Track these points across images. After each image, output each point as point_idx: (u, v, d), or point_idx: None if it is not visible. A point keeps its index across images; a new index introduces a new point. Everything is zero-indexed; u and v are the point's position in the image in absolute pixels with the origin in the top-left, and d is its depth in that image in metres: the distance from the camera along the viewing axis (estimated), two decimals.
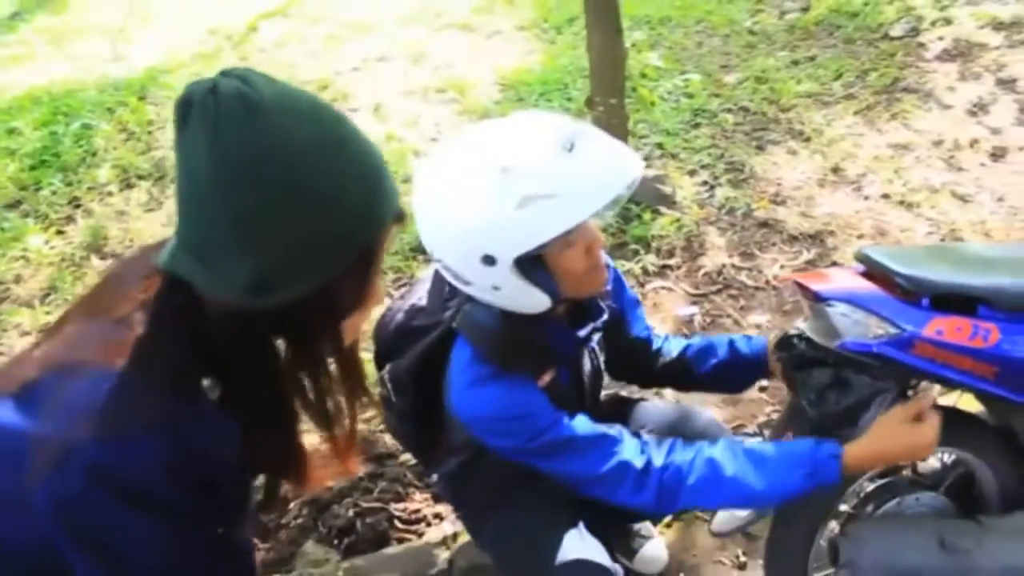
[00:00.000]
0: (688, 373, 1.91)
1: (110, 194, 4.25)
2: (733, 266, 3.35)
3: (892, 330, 1.55)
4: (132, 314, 0.95)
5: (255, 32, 6.12)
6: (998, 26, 5.53)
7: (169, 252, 0.92)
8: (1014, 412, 1.68)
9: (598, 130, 1.50)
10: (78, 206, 4.20)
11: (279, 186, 0.85)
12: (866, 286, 1.61)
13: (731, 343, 1.88)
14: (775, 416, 2.58)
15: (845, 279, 1.66)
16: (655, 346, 1.93)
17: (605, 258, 1.60)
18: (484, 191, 1.38)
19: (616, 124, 3.58)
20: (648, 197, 3.59)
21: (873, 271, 1.64)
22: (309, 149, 0.86)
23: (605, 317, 1.68)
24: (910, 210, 3.63)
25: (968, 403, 1.82)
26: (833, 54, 5.20)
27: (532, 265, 1.45)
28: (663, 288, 3.24)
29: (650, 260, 3.34)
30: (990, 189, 3.76)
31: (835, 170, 3.99)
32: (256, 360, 0.95)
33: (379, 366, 1.84)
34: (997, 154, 4.05)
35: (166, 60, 5.65)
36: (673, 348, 1.93)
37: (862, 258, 1.68)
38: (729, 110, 4.58)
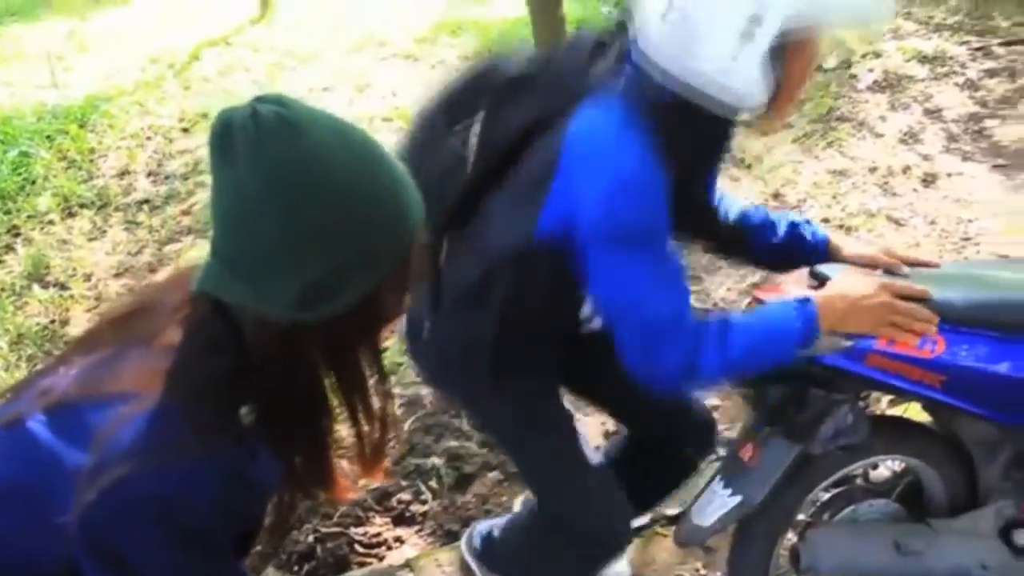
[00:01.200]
0: (744, 244, 1.87)
1: (51, 223, 4.18)
2: None
3: (845, 342, 1.61)
4: (169, 341, 0.96)
5: (198, 60, 6.08)
6: (923, 59, 5.78)
7: (208, 275, 0.94)
8: (959, 419, 1.76)
9: None
10: (17, 235, 4.13)
11: (325, 202, 0.89)
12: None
13: (792, 226, 1.85)
14: (728, 434, 2.64)
15: (800, 292, 1.71)
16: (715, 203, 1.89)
17: None
18: None
19: None
20: None
21: (823, 283, 1.69)
22: (349, 167, 0.90)
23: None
24: (848, 233, 3.75)
25: (914, 413, 1.90)
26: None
27: (776, 55, 1.41)
28: None
29: None
30: (923, 213, 3.91)
31: (776, 196, 4.11)
32: (298, 380, 0.96)
33: None
34: (928, 180, 4.22)
35: (107, 88, 5.58)
36: (731, 211, 1.87)
37: (816, 275, 1.74)
38: None
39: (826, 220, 3.87)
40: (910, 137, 4.70)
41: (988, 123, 4.83)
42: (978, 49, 6.00)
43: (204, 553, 0.93)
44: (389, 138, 4.58)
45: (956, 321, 1.63)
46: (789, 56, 1.44)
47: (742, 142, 4.58)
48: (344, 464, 1.08)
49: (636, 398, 1.69)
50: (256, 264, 0.90)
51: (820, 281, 1.71)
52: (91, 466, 0.88)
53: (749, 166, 4.37)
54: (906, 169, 4.30)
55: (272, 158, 0.87)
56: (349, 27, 6.67)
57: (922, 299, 1.60)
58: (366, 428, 1.05)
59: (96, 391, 0.94)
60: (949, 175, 4.25)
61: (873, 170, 4.30)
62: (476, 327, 1.65)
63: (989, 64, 5.72)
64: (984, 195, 4.06)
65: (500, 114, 1.61)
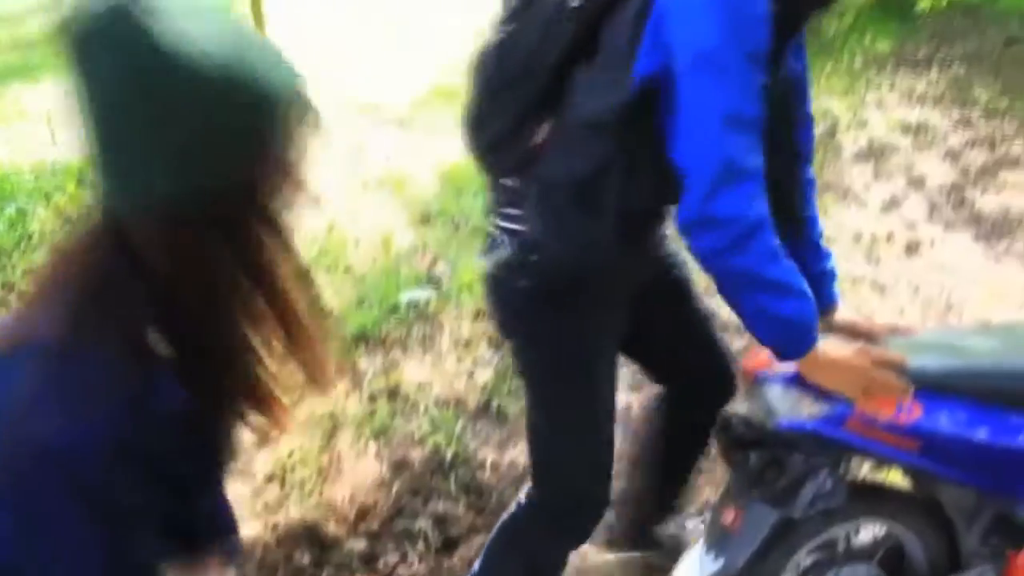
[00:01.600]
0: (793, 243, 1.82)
1: None
2: None
3: (825, 408, 1.66)
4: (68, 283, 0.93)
5: None
6: (906, 130, 5.92)
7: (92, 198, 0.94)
8: (938, 484, 1.79)
9: None
10: (12, 290, 4.15)
11: (187, 83, 0.86)
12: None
13: (827, 271, 1.93)
14: (712, 499, 2.66)
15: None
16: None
17: None
18: None
19: None
20: None
21: None
22: (211, 45, 0.87)
23: None
24: None
25: (897, 478, 1.93)
26: None
27: None
28: None
29: None
30: (906, 280, 3.97)
31: None
32: (201, 285, 0.92)
33: None
34: (911, 248, 4.29)
35: None
36: (806, 201, 1.96)
37: None
38: None
39: None
40: (893, 205, 4.79)
41: (969, 192, 4.93)
42: (959, 120, 6.15)
43: (112, 529, 0.88)
44: (382, 202, 4.68)
45: (933, 387, 1.68)
46: None
47: None
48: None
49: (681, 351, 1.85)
50: (125, 159, 0.89)
51: None
52: None
53: None
54: (889, 237, 4.38)
55: (128, 50, 0.85)
56: (341, 91, 6.81)
57: (898, 367, 1.65)
58: (294, 333, 0.98)
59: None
60: (932, 243, 4.32)
61: (858, 237, 4.38)
62: (591, 232, 1.65)
63: (970, 134, 5.85)
64: (966, 263, 4.13)
65: None
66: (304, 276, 1.00)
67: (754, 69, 1.49)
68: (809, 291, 1.56)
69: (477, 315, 3.60)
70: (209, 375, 0.96)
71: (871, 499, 1.86)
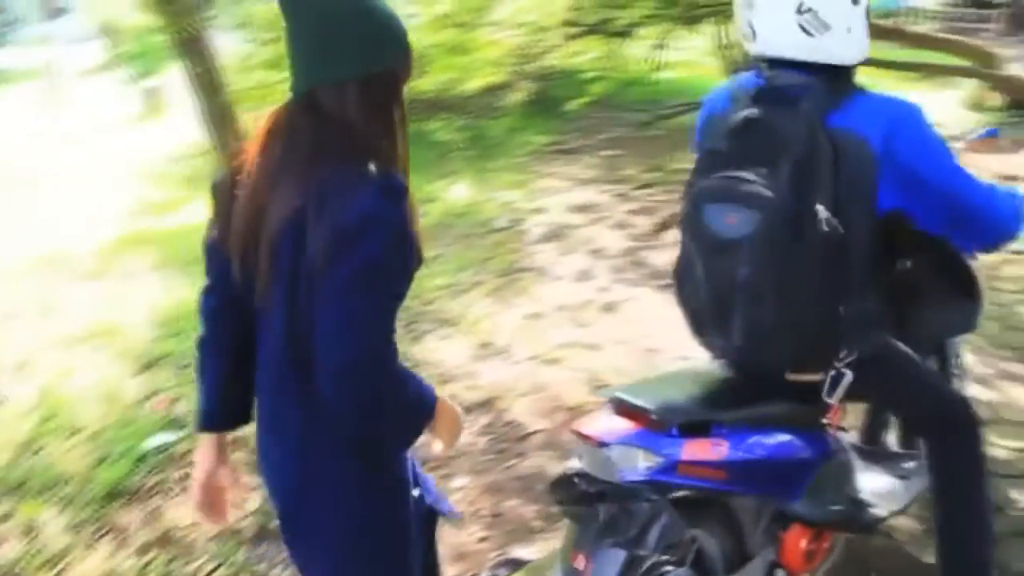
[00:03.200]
0: None
1: None
2: (421, 442, 3.64)
3: (658, 460, 1.94)
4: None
5: None
6: (578, 209, 6.65)
7: (302, 80, 1.55)
8: (733, 497, 2.16)
9: None
10: None
11: (366, 14, 1.54)
12: (630, 426, 1.98)
13: None
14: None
15: (611, 422, 2.02)
16: None
17: None
18: None
19: None
20: None
21: (627, 410, 2.01)
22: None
23: None
24: (555, 365, 4.22)
25: None
26: (455, 250, 5.91)
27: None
28: None
29: None
30: (611, 337, 4.48)
31: (485, 345, 4.51)
32: (384, 116, 1.58)
33: None
34: (608, 308, 4.85)
35: None
36: None
37: (616, 400, 2.04)
38: None
39: (533, 357, 4.32)
40: (584, 275, 5.37)
41: (642, 253, 5.64)
42: (618, 195, 7.00)
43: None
44: (95, 356, 4.50)
45: (725, 423, 2.04)
46: None
47: (442, 305, 5.01)
48: None
49: None
50: (340, 54, 1.53)
51: (620, 405, 2.02)
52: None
53: (456, 323, 4.77)
54: (588, 303, 4.91)
55: None
56: (24, 248, 6.47)
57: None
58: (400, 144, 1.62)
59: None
60: (624, 301, 4.91)
61: (561, 308, 4.87)
62: None
63: (630, 205, 6.69)
64: (655, 312, 4.72)
65: None
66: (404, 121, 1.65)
67: None
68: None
69: (233, 444, 3.57)
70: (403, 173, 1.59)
71: (683, 516, 2.08)
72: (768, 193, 1.86)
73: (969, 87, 9.57)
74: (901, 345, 2.23)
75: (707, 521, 2.18)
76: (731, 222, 1.93)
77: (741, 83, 2.08)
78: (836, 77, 1.96)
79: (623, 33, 9.51)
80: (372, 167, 1.51)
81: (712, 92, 2.22)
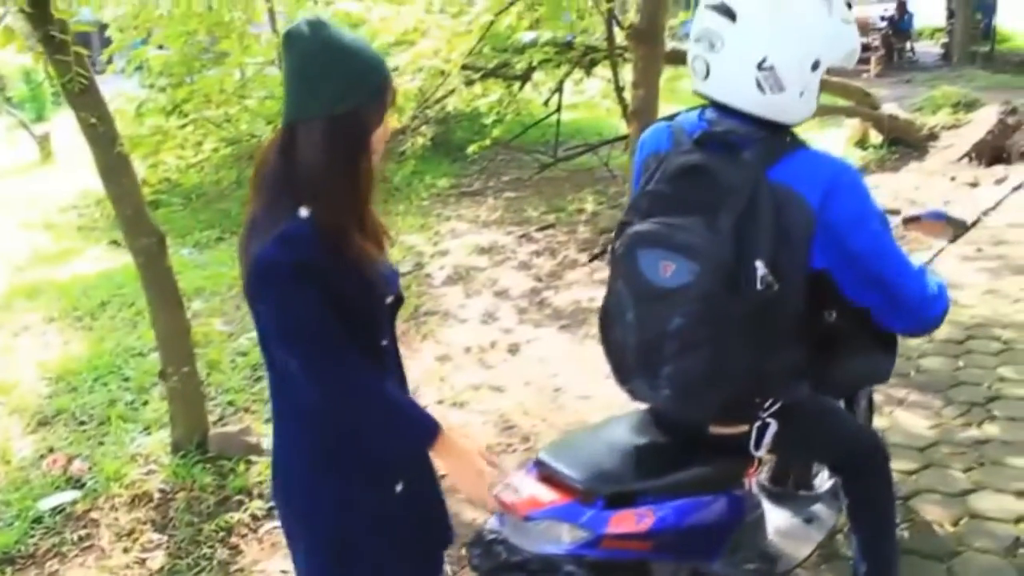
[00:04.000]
0: None
1: None
2: None
3: (583, 534, 1.93)
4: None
5: None
6: (482, 251, 6.72)
7: (287, 114, 1.68)
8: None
9: None
10: None
11: (339, 56, 1.64)
12: (555, 498, 1.95)
13: None
14: None
15: (535, 490, 1.98)
16: None
17: None
18: (821, 7, 1.88)
19: (191, 390, 3.77)
20: (237, 450, 3.77)
21: (552, 476, 1.99)
22: (344, 43, 1.66)
23: None
24: (463, 408, 4.25)
25: None
26: None
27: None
28: (277, 528, 3.39)
29: (256, 506, 3.48)
30: (517, 377, 4.54)
31: None
32: (337, 160, 1.65)
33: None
34: (513, 349, 4.92)
35: None
36: None
37: (540, 463, 2.03)
38: None
39: (440, 401, 4.34)
40: (489, 317, 5.43)
41: (545, 294, 5.75)
42: (522, 236, 7.11)
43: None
44: None
45: (657, 494, 2.03)
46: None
47: None
48: None
49: None
50: (308, 93, 1.65)
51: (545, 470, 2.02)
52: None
53: None
54: (493, 344, 4.97)
55: (312, 39, 1.64)
56: None
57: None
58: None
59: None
60: (528, 341, 4.98)
61: (468, 350, 4.91)
62: None
63: (533, 247, 6.80)
64: (558, 352, 4.82)
65: None
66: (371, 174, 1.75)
67: None
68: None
69: (133, 503, 3.51)
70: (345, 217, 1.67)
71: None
72: (707, 245, 1.84)
73: (852, 126, 10.05)
74: (821, 395, 2.27)
75: None
76: (667, 270, 1.89)
77: (681, 123, 2.06)
78: (778, 130, 1.95)
79: (522, 77, 9.69)
80: (303, 210, 1.63)
81: (651, 129, 2.17)
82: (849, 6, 1.98)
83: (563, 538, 1.93)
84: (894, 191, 8.00)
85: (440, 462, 1.79)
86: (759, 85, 1.87)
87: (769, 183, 1.84)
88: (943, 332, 4.71)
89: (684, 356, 1.89)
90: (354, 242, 1.68)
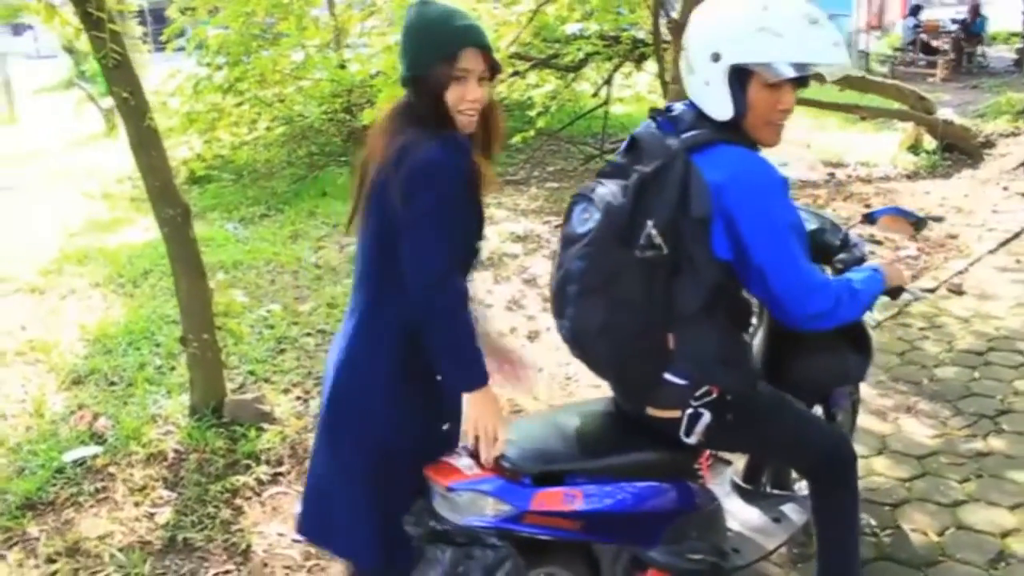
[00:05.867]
0: None
1: None
2: None
3: (506, 508, 2.01)
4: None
5: None
6: (517, 239, 6.79)
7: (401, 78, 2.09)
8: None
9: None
10: None
11: (418, 30, 2.03)
12: (479, 473, 2.03)
13: None
14: None
15: (463, 465, 2.06)
16: None
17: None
18: (742, 12, 2.00)
19: (210, 358, 3.92)
20: (250, 417, 3.92)
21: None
22: (434, 15, 2.02)
23: None
24: None
25: None
26: None
27: (738, 79, 2.01)
28: (279, 493, 3.55)
29: (262, 471, 3.62)
30: (532, 363, 4.61)
31: None
32: (426, 99, 2.02)
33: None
34: (532, 336, 4.99)
35: None
36: None
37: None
38: (309, 334, 5.11)
39: None
40: (515, 304, 5.52)
41: None
42: (557, 226, 7.16)
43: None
44: (25, 371, 4.57)
45: (582, 473, 2.11)
46: (751, 90, 2.03)
47: None
48: None
49: None
50: (402, 58, 2.07)
51: None
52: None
53: None
54: (514, 330, 5.06)
55: (411, 15, 2.05)
56: None
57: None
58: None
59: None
60: (548, 329, 5.04)
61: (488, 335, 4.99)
62: None
63: None
64: None
65: None
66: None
67: None
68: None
69: (148, 461, 3.68)
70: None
71: (540, 553, 2.16)
72: (611, 198, 2.02)
73: (905, 130, 9.89)
74: (775, 391, 2.34)
75: (563, 559, 2.22)
76: (582, 219, 2.09)
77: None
78: (722, 128, 2.07)
79: (574, 68, 9.74)
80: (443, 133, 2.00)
81: None
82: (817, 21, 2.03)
83: (487, 511, 2.01)
84: (943, 197, 7.89)
85: (471, 405, 2.03)
86: (683, 66, 2.12)
87: (686, 160, 2.00)
88: (964, 342, 4.69)
89: (581, 300, 2.06)
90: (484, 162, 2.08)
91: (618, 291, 2.01)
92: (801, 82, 2.08)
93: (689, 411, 2.15)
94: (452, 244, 1.98)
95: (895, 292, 2.33)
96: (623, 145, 2.23)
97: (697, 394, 2.13)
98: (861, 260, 2.42)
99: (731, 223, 2.00)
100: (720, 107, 2.05)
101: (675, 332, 2.07)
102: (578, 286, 2.05)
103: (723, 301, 2.08)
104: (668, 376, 2.12)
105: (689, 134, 2.06)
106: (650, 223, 1.98)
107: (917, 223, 2.56)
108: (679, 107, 2.18)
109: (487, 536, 2.01)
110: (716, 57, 2.01)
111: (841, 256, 2.47)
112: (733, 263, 2.04)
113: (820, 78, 2.26)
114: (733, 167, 2.02)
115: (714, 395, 2.13)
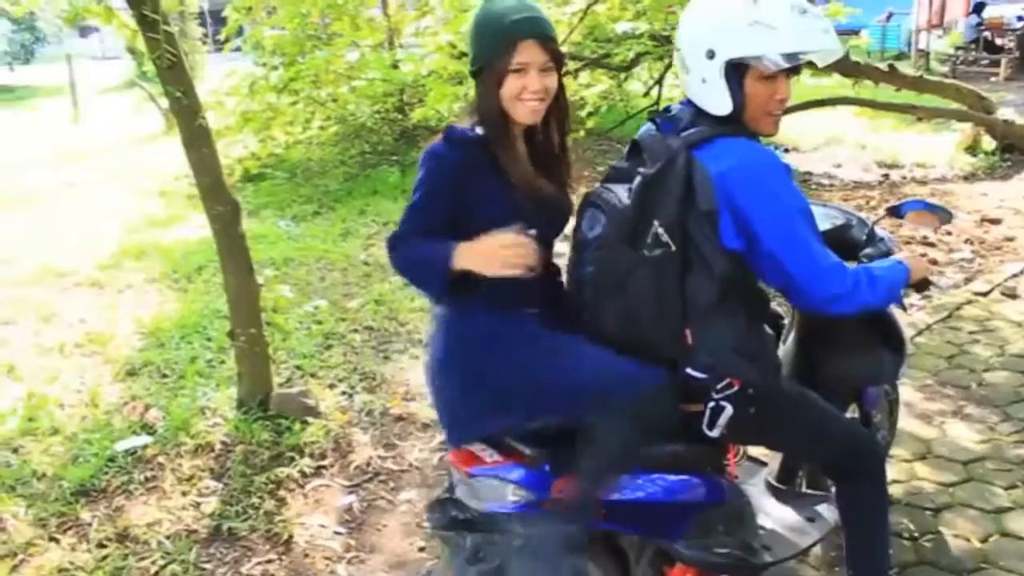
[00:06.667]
0: None
1: None
2: (379, 457, 3.82)
3: (526, 494, 2.04)
4: None
5: None
6: (564, 239, 6.78)
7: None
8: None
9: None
10: None
11: (478, 26, 2.10)
12: (502, 461, 2.07)
13: None
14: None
15: (485, 453, 2.09)
16: None
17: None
18: (733, 7, 2.02)
19: (257, 352, 4.01)
20: (295, 410, 4.00)
21: (502, 442, 2.10)
22: (495, 11, 2.06)
23: None
24: None
25: None
26: None
27: (734, 73, 2.03)
28: (322, 486, 3.62)
29: (305, 463, 3.70)
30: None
31: None
32: (487, 95, 2.08)
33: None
34: None
35: None
36: None
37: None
38: (356, 330, 5.19)
39: None
40: None
41: None
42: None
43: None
44: (83, 362, 4.71)
45: None
46: (747, 84, 2.06)
47: (416, 326, 5.19)
48: None
49: None
50: (469, 52, 2.13)
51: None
52: None
53: (427, 345, 4.93)
54: None
55: (478, 12, 2.12)
56: (22, 260, 6.72)
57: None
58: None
59: None
60: None
61: None
62: None
63: None
64: None
65: None
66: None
67: None
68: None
69: (196, 451, 3.78)
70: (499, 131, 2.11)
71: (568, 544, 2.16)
72: (617, 202, 2.06)
73: (963, 130, 9.70)
74: (799, 387, 2.34)
75: (593, 552, 2.22)
76: (590, 224, 2.14)
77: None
78: (721, 122, 2.10)
79: (625, 68, 9.70)
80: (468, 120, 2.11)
81: None
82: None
83: (508, 497, 2.04)
84: (1000, 200, 7.73)
85: (473, 266, 2.00)
86: (682, 64, 2.13)
87: (689, 157, 2.03)
88: (1016, 347, 4.60)
89: (596, 303, 2.10)
90: (508, 154, 2.08)
91: (631, 291, 2.04)
92: (794, 71, 2.11)
93: (711, 404, 2.16)
94: (412, 214, 2.08)
95: (921, 285, 2.33)
96: (626, 150, 2.27)
97: (718, 387, 2.14)
98: (888, 254, 2.40)
99: (738, 212, 2.02)
100: (719, 103, 2.08)
101: (692, 327, 2.08)
102: (592, 290, 2.10)
103: (736, 293, 2.09)
104: (689, 371, 2.13)
105: (689, 131, 2.09)
106: (657, 222, 2.01)
107: (942, 216, 2.55)
108: (677, 107, 2.21)
109: (508, 522, 2.03)
110: (711, 54, 2.04)
111: (867, 251, 2.46)
112: (743, 253, 2.06)
113: (812, 64, 2.28)
114: (735, 157, 2.04)
115: (735, 388, 2.14)
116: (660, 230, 2.00)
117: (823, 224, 2.21)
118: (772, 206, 2.02)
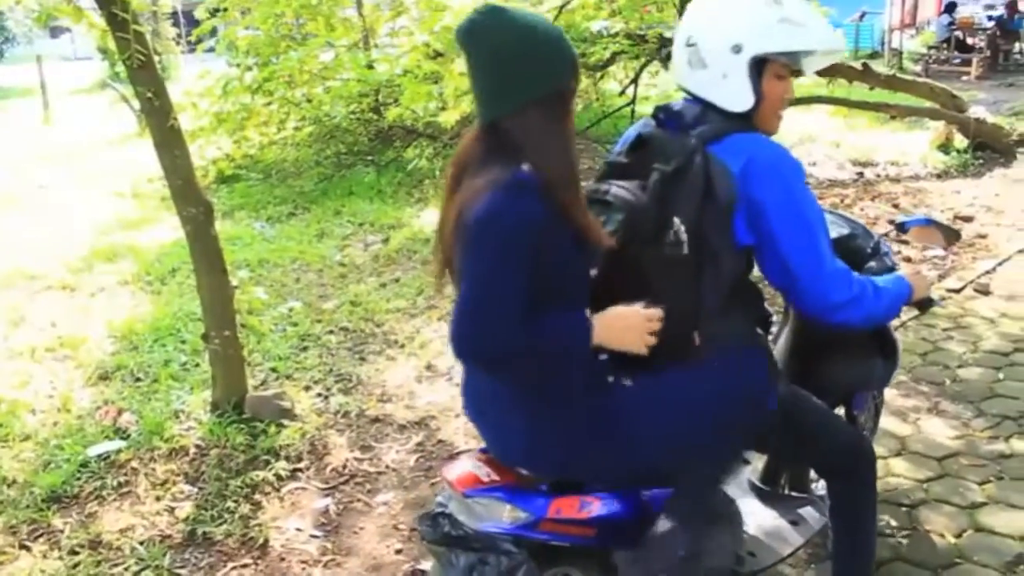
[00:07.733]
0: None
1: None
2: (355, 459, 3.79)
3: (523, 515, 2.00)
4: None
5: None
6: None
7: (483, 113, 1.84)
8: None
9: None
10: None
11: (534, 44, 1.77)
12: (497, 479, 2.03)
13: None
14: None
15: (480, 470, 2.06)
16: None
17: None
18: (759, 4, 2.04)
19: (232, 354, 3.97)
20: (271, 413, 3.96)
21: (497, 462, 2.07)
22: (534, 23, 1.80)
23: None
24: None
25: None
26: (414, 274, 6.08)
27: (756, 70, 2.03)
28: (298, 489, 3.59)
29: (281, 466, 3.66)
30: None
31: (429, 367, 4.66)
32: (552, 135, 1.80)
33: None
34: None
35: None
36: None
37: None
38: (331, 332, 5.16)
39: None
40: None
41: None
42: None
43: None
44: (55, 367, 4.65)
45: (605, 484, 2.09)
46: (764, 82, 2.06)
47: (393, 327, 5.17)
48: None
49: None
50: (503, 85, 1.79)
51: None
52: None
53: (403, 346, 4.92)
54: None
55: (500, 31, 1.76)
56: (2, 261, 6.63)
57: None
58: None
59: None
60: None
61: None
62: None
63: None
64: None
65: None
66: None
67: None
68: None
69: (170, 456, 3.74)
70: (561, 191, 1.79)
71: (557, 554, 2.13)
72: (633, 199, 2.00)
73: (936, 128, 9.79)
74: (795, 388, 2.32)
75: (579, 561, 2.19)
76: (600, 222, 2.02)
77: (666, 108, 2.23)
78: (730, 117, 2.08)
79: (601, 67, 9.73)
80: (524, 167, 1.78)
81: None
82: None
83: (504, 518, 1.99)
84: (973, 197, 7.80)
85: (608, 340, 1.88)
86: (689, 62, 2.10)
87: (705, 153, 2.00)
88: (989, 343, 4.64)
89: (613, 304, 1.98)
90: (579, 200, 1.83)
91: (653, 291, 1.97)
92: (799, 71, 2.14)
93: None
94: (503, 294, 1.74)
95: (924, 304, 2.31)
96: (622, 144, 2.22)
97: None
98: (891, 270, 2.40)
99: (754, 205, 1.99)
100: (739, 99, 2.06)
101: (700, 328, 2.04)
102: (604, 290, 1.99)
103: (739, 293, 2.07)
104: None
105: (702, 128, 2.06)
106: (677, 220, 1.96)
107: (949, 235, 2.53)
108: (678, 103, 2.18)
109: (503, 543, 1.99)
110: (738, 49, 2.02)
111: (871, 264, 2.45)
112: (754, 247, 2.05)
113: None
114: (753, 151, 2.02)
115: None
116: (681, 228, 1.96)
117: (829, 232, 2.20)
118: (788, 201, 2.00)
